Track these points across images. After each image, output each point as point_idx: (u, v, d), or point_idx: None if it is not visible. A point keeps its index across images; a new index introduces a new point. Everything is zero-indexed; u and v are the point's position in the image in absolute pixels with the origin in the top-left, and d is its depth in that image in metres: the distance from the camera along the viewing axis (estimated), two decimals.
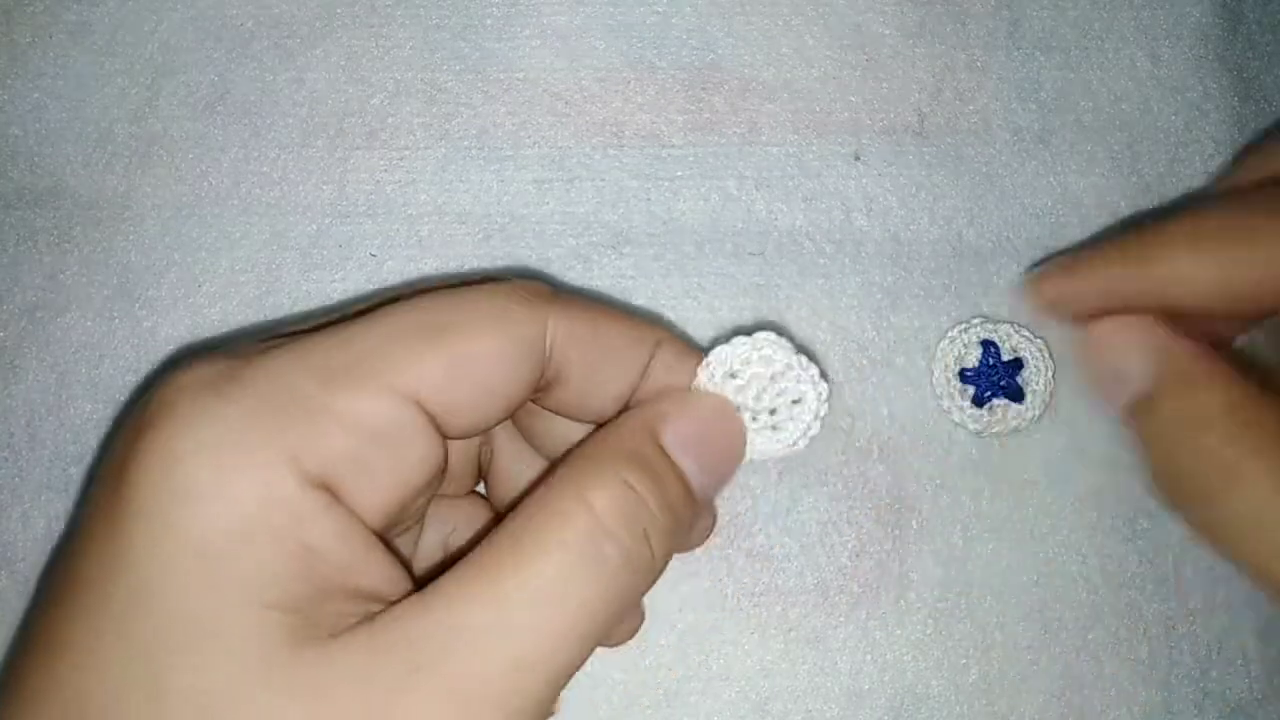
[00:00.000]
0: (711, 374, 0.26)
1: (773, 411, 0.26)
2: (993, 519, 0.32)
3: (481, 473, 0.27)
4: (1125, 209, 0.34)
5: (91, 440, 0.31)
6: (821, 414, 0.26)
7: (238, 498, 0.19)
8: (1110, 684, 0.32)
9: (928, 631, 0.31)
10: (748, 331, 0.26)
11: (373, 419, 0.20)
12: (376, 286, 0.32)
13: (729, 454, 0.25)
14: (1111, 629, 0.32)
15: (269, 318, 0.32)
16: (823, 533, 0.32)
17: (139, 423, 0.20)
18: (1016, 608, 0.32)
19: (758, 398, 0.26)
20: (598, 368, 0.24)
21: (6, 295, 0.32)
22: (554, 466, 0.24)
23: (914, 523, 0.32)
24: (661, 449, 0.23)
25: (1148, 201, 0.34)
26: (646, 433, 0.23)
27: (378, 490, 0.20)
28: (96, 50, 0.33)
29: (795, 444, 0.26)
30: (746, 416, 0.26)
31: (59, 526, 0.31)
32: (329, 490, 0.20)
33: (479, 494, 0.28)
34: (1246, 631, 0.32)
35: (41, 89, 0.33)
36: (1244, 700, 0.32)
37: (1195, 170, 0.34)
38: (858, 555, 0.32)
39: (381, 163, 0.33)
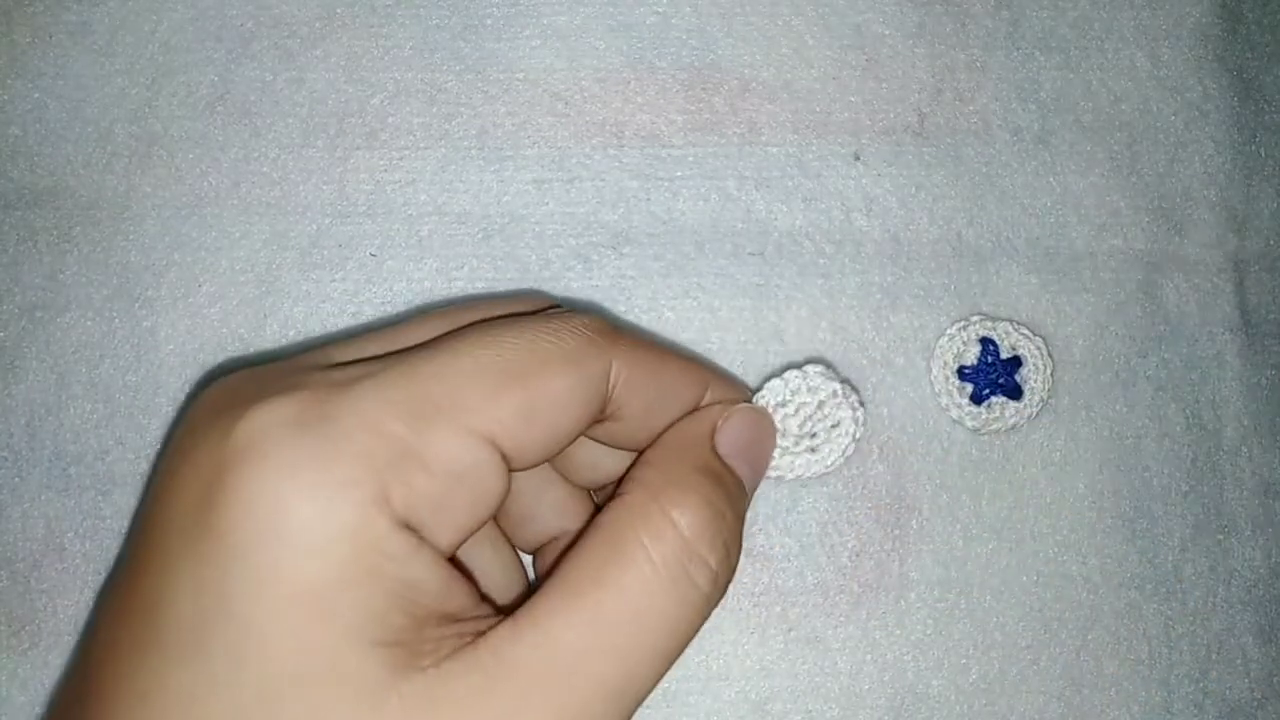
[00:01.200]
0: (766, 404, 0.28)
1: (812, 435, 0.29)
2: (993, 519, 0.32)
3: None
4: (1125, 209, 0.34)
5: (91, 440, 0.31)
6: (857, 436, 0.29)
7: (338, 540, 0.19)
8: (1110, 684, 0.32)
9: (928, 631, 0.31)
10: (798, 365, 0.29)
11: (456, 462, 0.20)
12: (376, 286, 0.32)
13: (767, 458, 0.27)
14: (1111, 629, 0.32)
15: (269, 317, 0.32)
16: (823, 533, 0.32)
17: (223, 455, 0.20)
18: (1016, 608, 0.32)
19: (802, 425, 0.29)
20: (653, 403, 0.24)
21: (6, 295, 0.32)
22: (614, 484, 0.25)
23: (914, 523, 0.32)
24: (720, 459, 0.24)
25: (1147, 201, 0.34)
26: (708, 444, 0.24)
27: (454, 526, 0.21)
28: (96, 50, 0.33)
29: (832, 465, 0.29)
30: (790, 440, 0.29)
31: (59, 526, 0.31)
32: (413, 528, 0.20)
33: None
34: (1246, 632, 0.32)
35: (41, 89, 0.33)
36: (1243, 700, 0.32)
37: (1195, 170, 0.34)
38: (858, 555, 0.32)
39: (381, 163, 0.33)
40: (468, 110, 0.33)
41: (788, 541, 0.32)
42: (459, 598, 0.21)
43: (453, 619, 0.20)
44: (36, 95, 0.33)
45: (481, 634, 0.20)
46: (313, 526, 0.19)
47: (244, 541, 0.19)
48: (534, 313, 0.25)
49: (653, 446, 0.25)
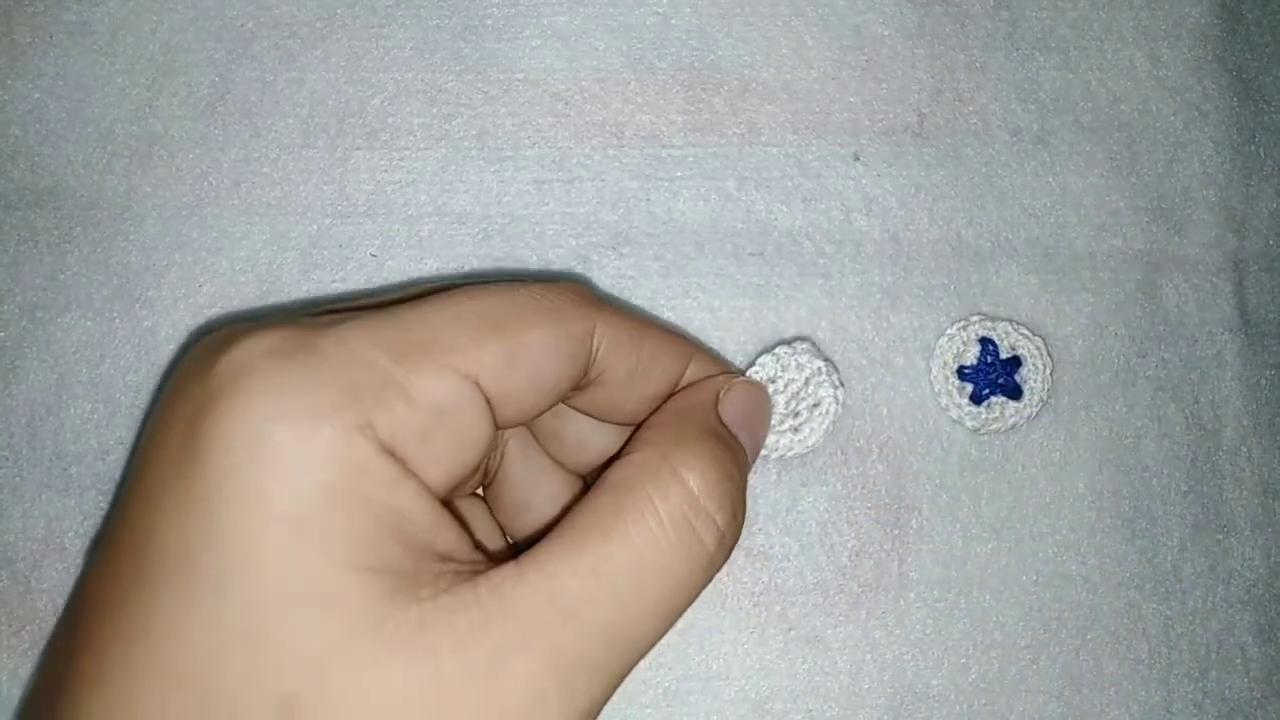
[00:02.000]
0: (760, 379, 0.30)
1: (796, 415, 0.30)
2: (992, 519, 0.32)
3: (487, 477, 0.27)
4: (1124, 209, 0.34)
5: (92, 440, 0.31)
6: (837, 415, 0.30)
7: (323, 464, 0.19)
8: (1109, 683, 0.32)
9: (927, 631, 0.31)
10: (788, 341, 0.30)
11: (439, 395, 0.21)
12: (377, 287, 0.32)
13: (765, 431, 0.28)
14: (1111, 629, 0.32)
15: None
16: (822, 532, 0.32)
17: (208, 387, 0.20)
18: (1016, 607, 0.32)
19: (788, 403, 0.30)
20: (636, 372, 0.25)
21: (7, 295, 0.32)
22: (614, 455, 0.25)
23: (914, 522, 0.32)
24: (725, 425, 0.25)
25: (1146, 202, 0.34)
26: (713, 411, 0.25)
27: (439, 464, 0.21)
28: (97, 50, 0.33)
29: (813, 445, 0.30)
30: (776, 418, 0.30)
31: (59, 526, 0.31)
32: (399, 459, 0.20)
33: (479, 496, 0.28)
34: (1245, 631, 0.32)
35: (42, 89, 0.33)
36: (1242, 700, 0.32)
37: (1194, 170, 0.34)
38: (857, 555, 0.32)
39: (382, 163, 0.33)
40: (468, 111, 0.33)
41: (788, 541, 0.32)
42: (452, 538, 0.21)
43: (447, 558, 0.20)
44: (37, 95, 0.33)
45: (482, 573, 0.20)
46: (297, 450, 0.19)
47: (228, 467, 0.19)
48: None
49: (658, 412, 0.25)
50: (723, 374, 0.27)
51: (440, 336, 0.21)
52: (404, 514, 0.20)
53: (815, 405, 0.30)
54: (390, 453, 0.20)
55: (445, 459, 0.21)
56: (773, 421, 0.30)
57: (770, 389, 0.30)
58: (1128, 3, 0.35)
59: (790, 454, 0.30)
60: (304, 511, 0.19)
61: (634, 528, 0.21)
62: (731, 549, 0.23)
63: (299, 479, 0.19)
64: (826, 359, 0.30)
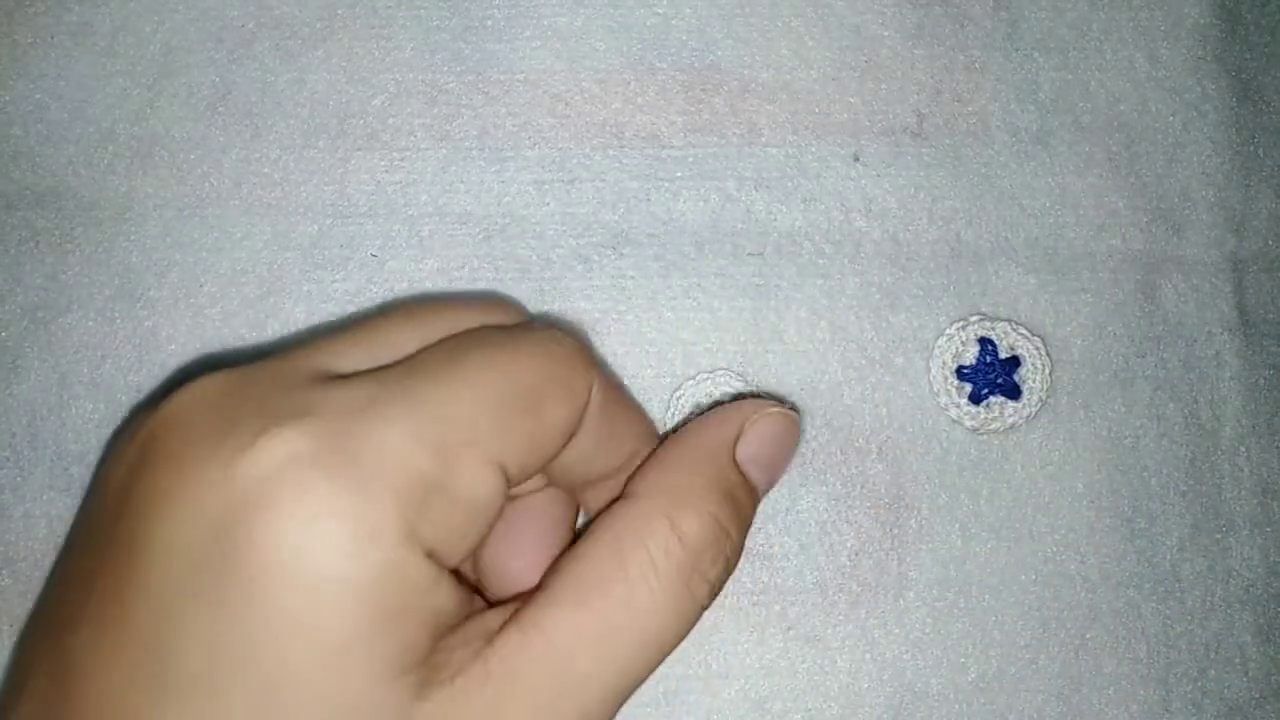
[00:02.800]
0: (682, 408, 0.31)
1: None
2: (992, 518, 0.32)
3: None
4: (1123, 209, 0.34)
5: (93, 440, 0.31)
6: None
7: (370, 588, 0.19)
8: (1109, 683, 0.32)
9: (926, 630, 0.32)
10: (709, 371, 0.32)
11: (479, 492, 0.21)
12: (378, 287, 0.32)
13: (786, 465, 0.27)
14: (1110, 628, 0.32)
15: (270, 318, 0.32)
16: (822, 532, 0.32)
17: (236, 492, 0.19)
18: (1015, 607, 0.32)
19: None
20: (613, 435, 0.25)
21: (8, 295, 0.32)
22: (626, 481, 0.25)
23: (913, 522, 0.32)
24: (738, 467, 0.24)
25: (1145, 202, 0.34)
26: (726, 454, 0.25)
27: (467, 548, 0.21)
28: (98, 51, 0.34)
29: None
30: None
31: (60, 526, 0.31)
32: (437, 559, 0.20)
33: None
34: (1245, 631, 0.32)
35: (43, 89, 0.33)
36: (1242, 700, 0.32)
37: (1193, 170, 0.34)
38: (857, 555, 0.32)
39: (382, 163, 0.33)
40: (468, 111, 0.34)
41: (787, 541, 0.32)
42: (465, 605, 0.21)
43: (458, 625, 0.21)
44: (38, 96, 0.33)
45: (489, 643, 0.20)
46: (346, 575, 0.18)
47: (269, 589, 0.18)
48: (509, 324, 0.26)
49: (670, 444, 0.25)
50: (752, 402, 0.26)
51: (477, 428, 0.21)
52: (439, 610, 0.20)
53: None
54: (431, 555, 0.20)
55: (471, 544, 0.21)
56: None
57: (697, 415, 0.30)
58: (1127, 3, 0.35)
59: None
60: (350, 635, 0.19)
61: (633, 589, 0.21)
62: (721, 591, 0.24)
63: (346, 605, 0.19)
64: (758, 389, 0.32)
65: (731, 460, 0.25)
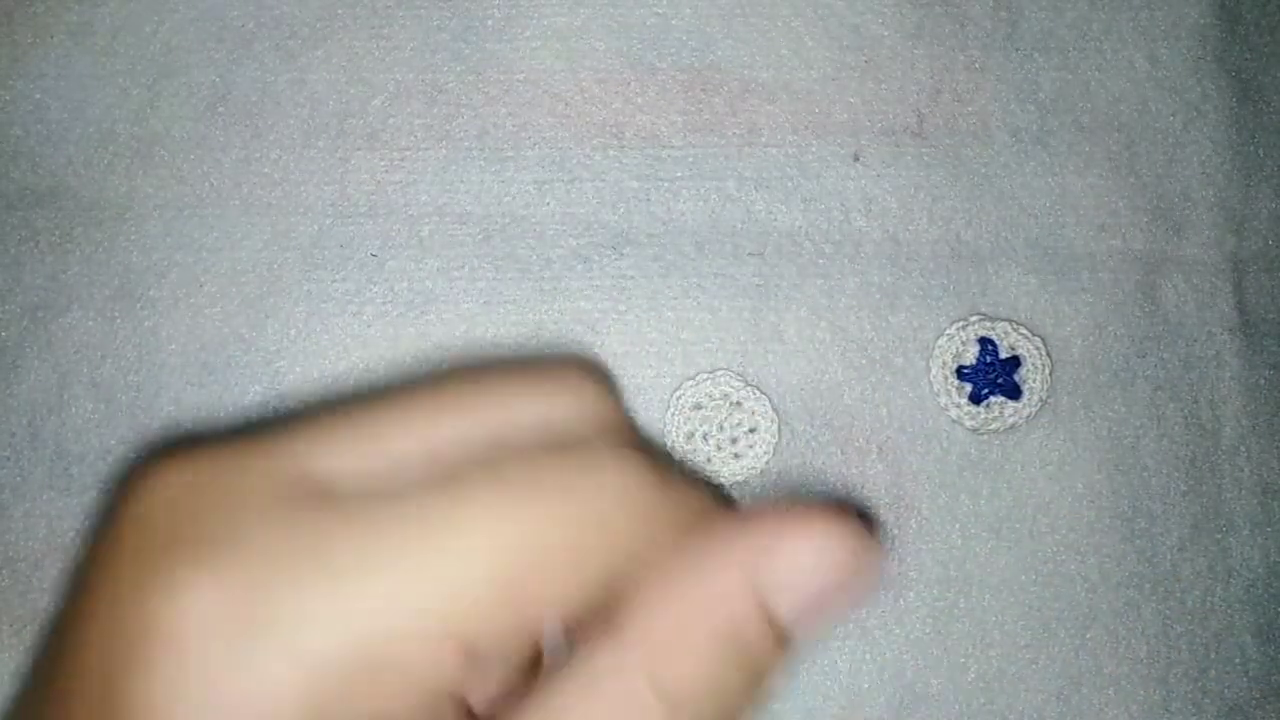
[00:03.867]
0: (682, 408, 0.32)
1: (734, 440, 0.32)
2: (991, 518, 0.32)
3: None
4: (1123, 209, 0.34)
5: (93, 440, 0.31)
6: (775, 442, 0.32)
7: None
8: (1108, 683, 0.32)
9: (927, 630, 0.32)
10: (709, 371, 0.32)
11: (423, 675, 0.18)
12: (378, 286, 0.32)
13: (848, 599, 0.19)
14: (1110, 628, 0.32)
15: (270, 317, 0.32)
16: None
17: (134, 632, 0.17)
18: (1015, 607, 0.32)
19: (720, 427, 0.32)
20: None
21: (8, 295, 0.32)
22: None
23: (913, 522, 0.32)
24: (763, 612, 0.19)
25: (1146, 202, 0.34)
26: (741, 578, 0.18)
27: None
28: (98, 51, 0.34)
29: (756, 469, 0.32)
30: (712, 445, 0.32)
31: (60, 526, 0.31)
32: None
33: None
34: (1244, 631, 0.32)
35: (43, 89, 0.33)
36: (1242, 699, 0.32)
37: (1193, 171, 0.34)
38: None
39: (382, 163, 0.33)
40: (468, 111, 0.34)
41: None
42: None
43: None
44: (38, 96, 0.33)
45: None
46: None
47: None
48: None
49: (680, 555, 0.19)
50: (813, 506, 0.19)
51: (441, 615, 0.17)
52: None
53: (752, 430, 0.32)
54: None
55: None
56: (711, 449, 0.31)
57: (699, 415, 0.31)
58: (1127, 3, 0.35)
59: (739, 478, 0.32)
60: None
61: None
62: None
63: None
64: (756, 386, 0.32)
65: (745, 588, 0.18)
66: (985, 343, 0.32)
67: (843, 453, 0.32)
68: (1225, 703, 0.32)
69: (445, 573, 0.17)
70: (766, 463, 0.32)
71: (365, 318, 0.32)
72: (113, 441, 0.31)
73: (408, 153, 0.33)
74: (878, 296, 0.33)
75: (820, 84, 0.34)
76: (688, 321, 0.33)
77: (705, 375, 0.32)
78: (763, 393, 0.32)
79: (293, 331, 0.32)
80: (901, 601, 0.32)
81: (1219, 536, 0.33)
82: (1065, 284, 0.33)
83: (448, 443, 0.20)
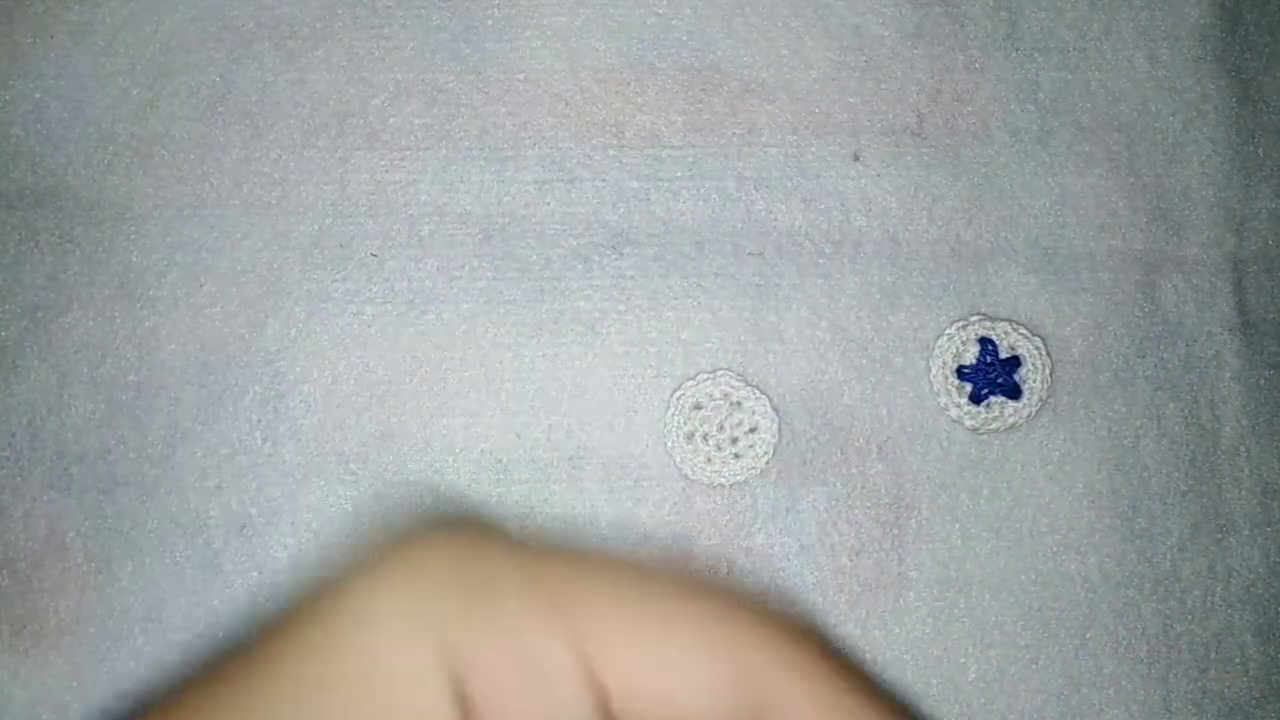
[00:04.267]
0: (682, 408, 0.32)
1: (734, 440, 0.32)
2: (991, 518, 0.32)
3: None
4: (1123, 209, 0.34)
5: (93, 440, 0.31)
6: (775, 442, 0.32)
7: None
8: (1109, 683, 0.32)
9: (926, 631, 0.32)
10: (710, 371, 0.32)
11: None
12: (378, 286, 0.32)
13: None
14: (1110, 628, 0.32)
15: (270, 317, 0.32)
16: (822, 532, 0.32)
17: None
18: (1015, 607, 0.32)
19: (720, 427, 0.32)
20: None
21: (8, 295, 0.32)
22: None
23: (913, 522, 0.32)
24: None
25: (1145, 202, 0.34)
26: None
27: None
28: (98, 50, 0.34)
29: (756, 469, 0.32)
30: (712, 445, 0.32)
31: (60, 526, 0.31)
32: None
33: None
34: (1244, 631, 0.32)
35: (43, 89, 0.33)
36: (1242, 699, 0.32)
37: (1193, 171, 0.34)
38: (857, 555, 0.32)
39: (382, 163, 0.33)
40: (468, 111, 0.34)
41: (787, 541, 0.32)
42: None
43: None
44: (38, 95, 0.33)
45: None
46: None
47: None
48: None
49: None
50: None
51: None
52: None
53: (752, 430, 0.32)
54: None
55: None
56: (711, 449, 0.31)
57: (699, 415, 0.31)
58: (1127, 3, 0.35)
59: (740, 479, 0.32)
60: None
61: None
62: None
63: None
64: (755, 385, 0.32)
65: None
66: (985, 343, 0.32)
67: (843, 453, 0.32)
68: (1225, 703, 0.32)
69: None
70: (766, 463, 0.32)
71: (365, 317, 0.32)
72: (113, 442, 0.31)
73: (408, 152, 0.33)
74: (878, 296, 0.33)
75: (820, 84, 0.34)
76: (688, 321, 0.33)
77: (705, 375, 0.32)
78: (763, 393, 0.32)
79: (293, 331, 0.32)
80: (901, 602, 0.32)
81: (1219, 536, 0.33)
82: (1065, 284, 0.33)
83: None
